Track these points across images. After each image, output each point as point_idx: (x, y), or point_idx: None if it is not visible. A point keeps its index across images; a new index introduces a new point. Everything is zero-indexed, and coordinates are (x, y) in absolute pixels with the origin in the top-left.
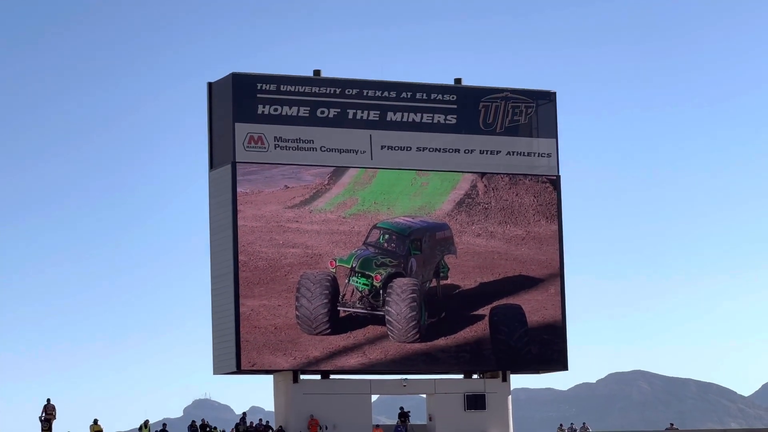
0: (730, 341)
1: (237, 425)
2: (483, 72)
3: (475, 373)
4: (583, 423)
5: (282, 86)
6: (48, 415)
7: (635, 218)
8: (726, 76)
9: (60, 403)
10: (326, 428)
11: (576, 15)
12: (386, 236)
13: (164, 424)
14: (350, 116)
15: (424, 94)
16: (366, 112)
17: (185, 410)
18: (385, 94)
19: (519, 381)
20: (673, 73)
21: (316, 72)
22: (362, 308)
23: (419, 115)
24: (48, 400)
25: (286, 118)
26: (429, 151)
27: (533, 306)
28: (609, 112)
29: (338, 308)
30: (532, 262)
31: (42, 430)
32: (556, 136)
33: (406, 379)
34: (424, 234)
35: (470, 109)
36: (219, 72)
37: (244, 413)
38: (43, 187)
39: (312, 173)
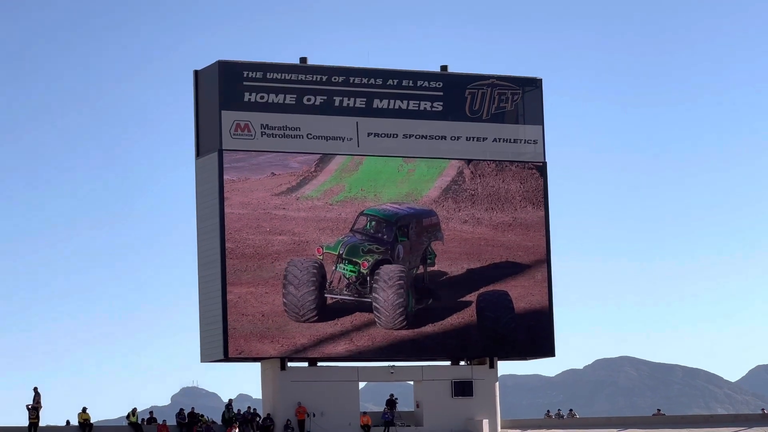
0: (716, 327)
1: (223, 413)
2: (469, 59)
3: (463, 360)
4: (570, 409)
5: (268, 74)
6: (36, 403)
7: (622, 204)
8: (714, 61)
9: (47, 391)
10: (314, 415)
11: (563, 1)
12: (373, 223)
13: (151, 412)
14: (337, 104)
15: (411, 82)
16: (352, 99)
17: (173, 398)
18: (372, 81)
19: (506, 367)
20: (660, 59)
21: (303, 60)
22: (349, 295)
23: (405, 102)
24: (35, 388)
25: (272, 106)
26: (415, 138)
27: (520, 292)
28: (595, 99)
29: (325, 295)
30: (518, 249)
31: (29, 418)
32: (542, 123)
33: (393, 366)
34: (410, 221)
35: (456, 96)
36: (205, 60)
37: (230, 400)
38: (28, 175)
39: (299, 160)
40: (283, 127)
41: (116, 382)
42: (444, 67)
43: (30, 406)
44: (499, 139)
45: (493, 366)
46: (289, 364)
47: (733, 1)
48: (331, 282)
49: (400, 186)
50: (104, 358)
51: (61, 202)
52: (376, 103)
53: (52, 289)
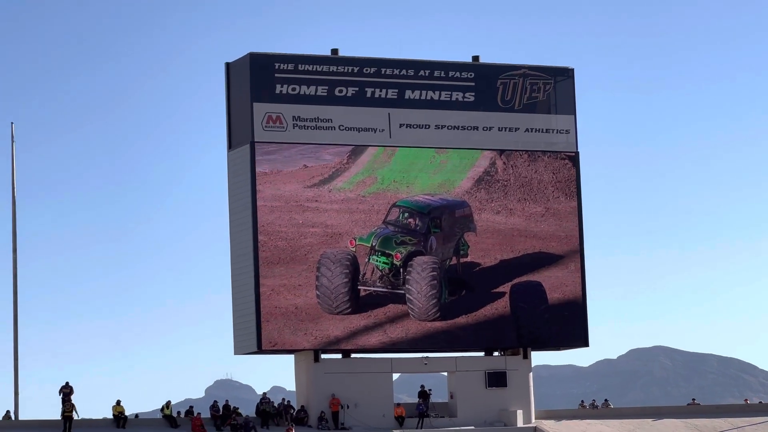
0: (751, 316)
1: (258, 405)
2: (501, 49)
3: (496, 351)
4: (605, 399)
5: (300, 66)
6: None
7: (654, 193)
8: (748, 49)
9: (82, 385)
10: (348, 407)
11: None
12: (406, 214)
13: (191, 406)
14: (368, 95)
15: (442, 72)
16: (384, 90)
17: (207, 391)
18: (403, 72)
19: (540, 358)
20: (693, 48)
21: (334, 51)
22: (382, 287)
23: (437, 92)
24: (66, 383)
25: (304, 98)
26: (447, 128)
27: (553, 283)
28: (627, 88)
29: (358, 287)
30: (551, 239)
31: (63, 412)
32: (574, 113)
33: (426, 357)
34: (443, 212)
35: (488, 86)
36: (237, 52)
37: (265, 394)
38: (62, 169)
39: (331, 152)
40: (315, 118)
41: (151, 375)
42: (476, 58)
43: (64, 394)
44: (531, 129)
45: (526, 356)
46: (323, 356)
47: None
48: (364, 274)
49: (433, 177)
50: (139, 352)
51: (94, 197)
52: (408, 94)
53: (86, 284)
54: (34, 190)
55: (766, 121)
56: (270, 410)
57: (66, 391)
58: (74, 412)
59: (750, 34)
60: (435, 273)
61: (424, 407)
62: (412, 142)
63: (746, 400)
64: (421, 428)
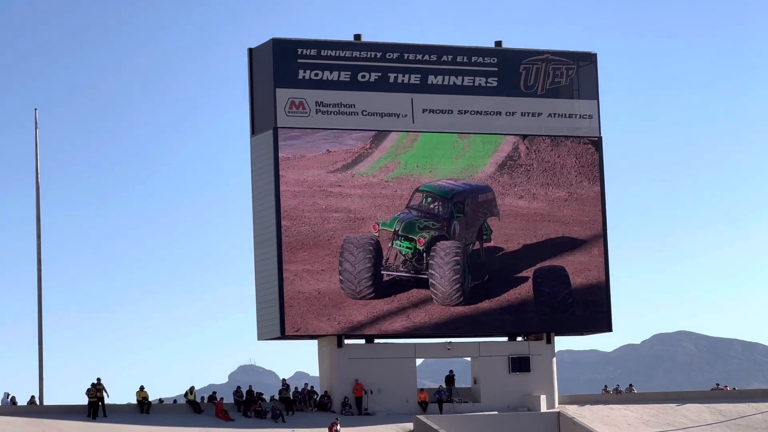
0: None
1: (280, 391)
2: (523, 34)
3: (520, 336)
4: (629, 384)
5: (322, 51)
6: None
7: (678, 177)
8: None
9: (106, 371)
10: (371, 392)
11: None
12: (429, 199)
13: (214, 392)
14: (391, 80)
15: (465, 57)
16: (407, 75)
17: (230, 376)
18: (426, 57)
19: (563, 343)
20: (714, 32)
21: (357, 36)
22: (406, 272)
23: (460, 78)
24: (98, 379)
25: (327, 83)
26: (470, 113)
27: (576, 267)
28: (650, 73)
29: (382, 272)
30: (575, 224)
31: (89, 397)
32: (597, 98)
33: (450, 342)
34: (466, 197)
35: (511, 71)
36: (259, 38)
37: (284, 380)
38: (86, 157)
39: (354, 137)
40: (338, 104)
41: (174, 361)
42: (498, 43)
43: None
44: (554, 114)
45: (550, 341)
46: (346, 341)
47: None
48: (387, 259)
49: (456, 162)
50: (163, 337)
51: (119, 184)
52: (431, 79)
53: (110, 271)
54: (58, 177)
55: None
56: (286, 396)
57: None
58: (105, 393)
59: None
60: (458, 258)
61: (445, 393)
62: (435, 127)
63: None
64: (441, 413)
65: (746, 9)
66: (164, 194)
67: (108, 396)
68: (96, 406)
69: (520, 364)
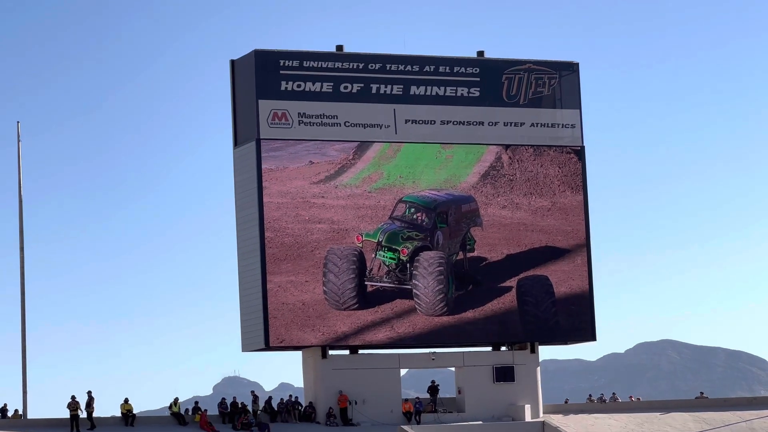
0: (758, 308)
1: (264, 408)
2: (505, 44)
3: (504, 345)
4: (613, 393)
5: (305, 62)
6: (88, 408)
7: (660, 186)
8: (752, 44)
9: (90, 384)
10: (356, 403)
11: None
12: (412, 210)
13: (196, 402)
14: (374, 91)
15: (447, 68)
16: (389, 86)
17: (215, 388)
18: (408, 68)
19: (547, 352)
20: (698, 42)
21: (339, 47)
22: (389, 282)
23: (443, 88)
24: (89, 392)
25: (309, 94)
26: (453, 124)
27: (560, 277)
28: (632, 82)
29: (365, 283)
30: (558, 233)
31: (71, 410)
32: (579, 107)
33: (434, 352)
34: (449, 207)
35: (493, 81)
36: (242, 49)
37: (270, 397)
38: (67, 168)
39: (336, 148)
40: (321, 115)
41: (158, 373)
42: (480, 53)
43: (71, 405)
44: (537, 123)
45: (534, 351)
46: (330, 352)
47: None
48: (371, 269)
49: (439, 172)
50: (146, 349)
51: (100, 194)
52: (413, 89)
53: (93, 281)
54: (40, 189)
55: None
56: (263, 409)
57: (89, 401)
58: (79, 409)
59: (757, 27)
60: (442, 268)
61: (421, 405)
62: (417, 137)
63: None
64: (419, 424)
65: (729, 18)
66: (148, 207)
67: (82, 412)
68: (77, 419)
69: (505, 374)
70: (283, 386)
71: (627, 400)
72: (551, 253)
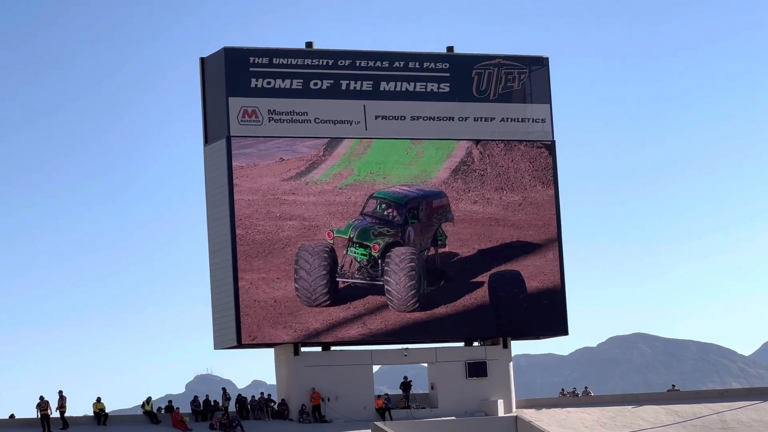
0: (729, 301)
1: (236, 404)
2: (475, 39)
3: (476, 341)
4: (585, 387)
5: (274, 59)
6: (60, 407)
7: (631, 180)
8: (723, 36)
9: (62, 383)
10: (328, 400)
11: None
12: (383, 206)
13: (170, 401)
14: (344, 87)
15: (417, 63)
16: (359, 82)
17: (187, 386)
18: (378, 64)
19: (520, 347)
20: (668, 35)
21: (308, 44)
22: (361, 279)
23: (413, 84)
24: (60, 392)
25: (279, 91)
26: (423, 119)
27: (532, 271)
28: (602, 76)
29: (337, 279)
30: (529, 228)
31: (41, 410)
32: (549, 102)
33: (407, 348)
34: (420, 202)
35: (463, 76)
36: (211, 47)
37: (239, 394)
38: (37, 165)
39: (307, 145)
40: (291, 112)
41: (130, 372)
42: (450, 48)
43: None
44: (507, 118)
45: (506, 346)
46: (303, 349)
47: None
48: (343, 266)
49: (409, 168)
50: (118, 348)
51: (69, 193)
52: (383, 85)
53: (63, 281)
54: (7, 188)
55: (741, 111)
56: (227, 405)
57: (61, 401)
58: (50, 410)
59: (732, 18)
60: (413, 264)
61: (390, 401)
62: (388, 133)
63: None
64: (392, 420)
65: (701, 14)
66: (119, 204)
67: (53, 412)
68: (48, 419)
69: (477, 369)
70: (256, 383)
71: (601, 393)
72: (523, 248)
